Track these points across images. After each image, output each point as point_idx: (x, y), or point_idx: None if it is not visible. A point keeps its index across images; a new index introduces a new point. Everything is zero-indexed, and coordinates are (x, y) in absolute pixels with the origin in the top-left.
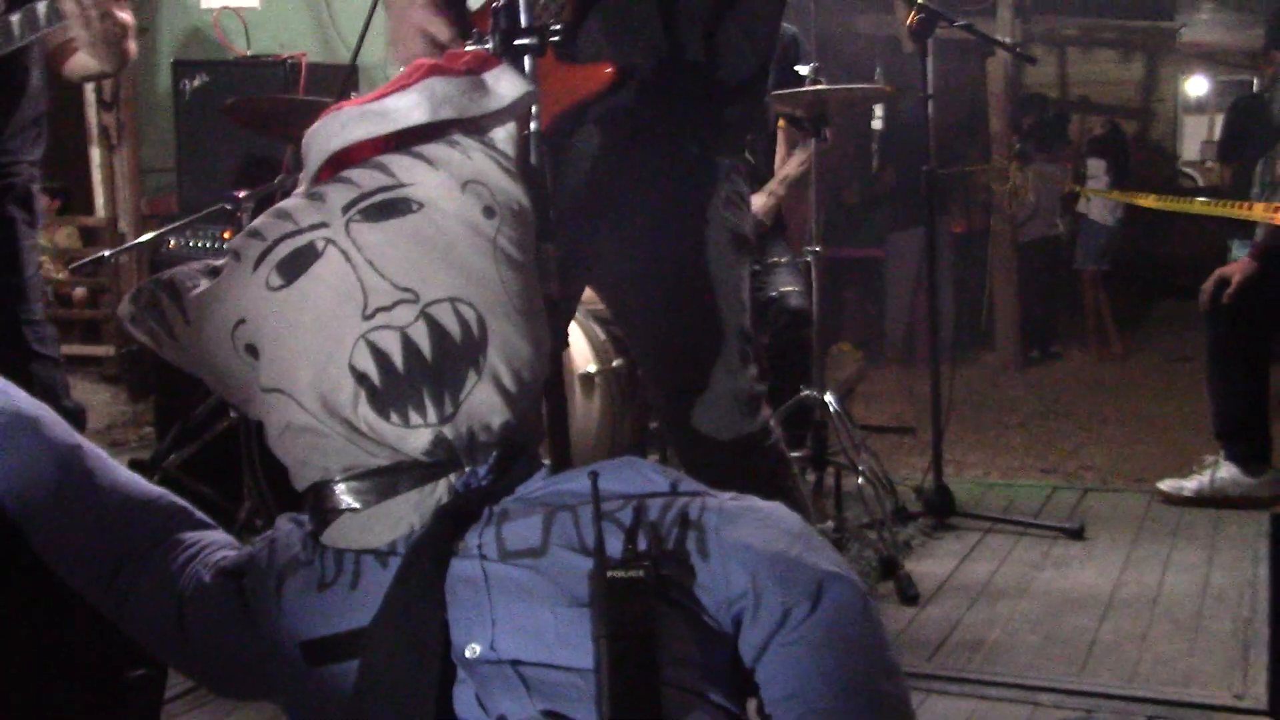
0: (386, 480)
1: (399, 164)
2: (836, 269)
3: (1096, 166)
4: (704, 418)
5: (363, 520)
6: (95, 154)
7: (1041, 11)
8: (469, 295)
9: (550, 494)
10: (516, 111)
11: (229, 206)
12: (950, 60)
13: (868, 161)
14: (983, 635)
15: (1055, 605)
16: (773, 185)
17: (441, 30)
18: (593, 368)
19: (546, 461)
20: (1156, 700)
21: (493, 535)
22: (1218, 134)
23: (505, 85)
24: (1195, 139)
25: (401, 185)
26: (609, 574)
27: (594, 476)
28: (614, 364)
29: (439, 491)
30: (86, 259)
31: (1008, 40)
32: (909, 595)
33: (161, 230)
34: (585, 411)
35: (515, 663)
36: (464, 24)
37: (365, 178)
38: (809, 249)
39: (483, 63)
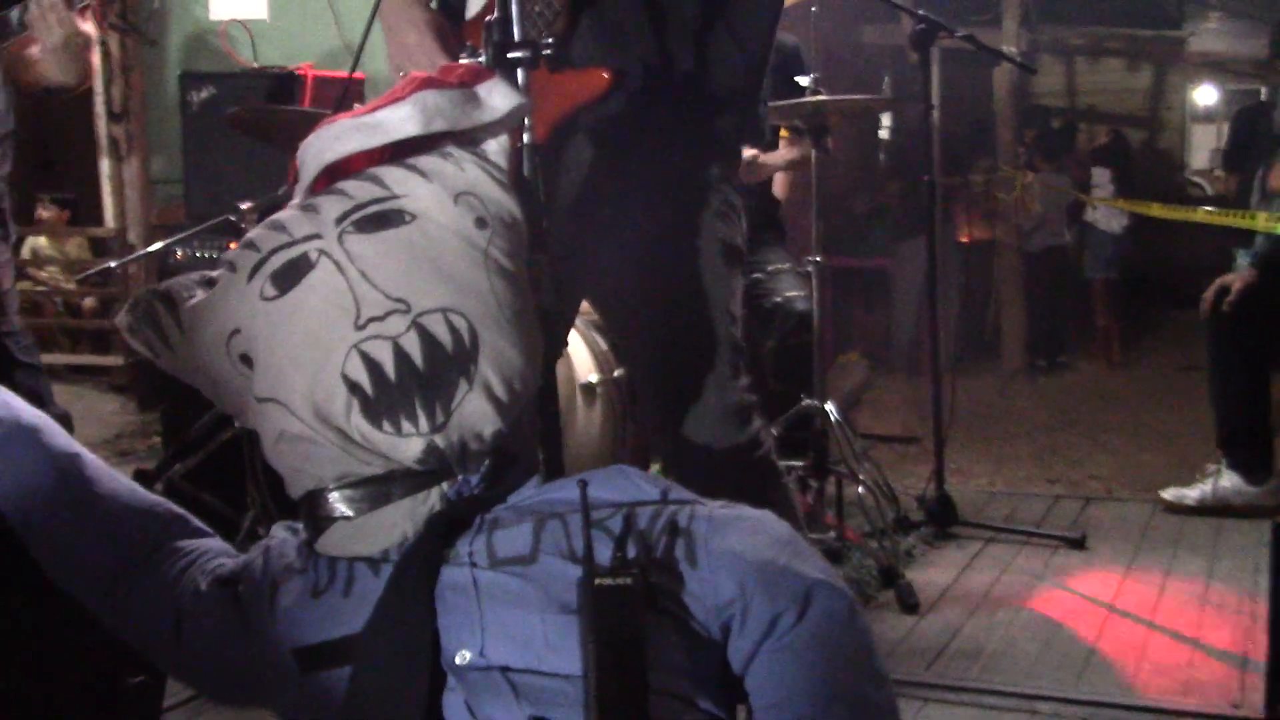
0: (379, 488)
1: (392, 176)
2: (844, 279)
3: (1101, 176)
4: (695, 428)
5: (356, 528)
6: (105, 165)
7: (1049, 21)
8: (461, 305)
9: (541, 502)
10: (509, 123)
11: (233, 218)
12: (957, 70)
13: (875, 172)
14: (982, 644)
15: (1055, 614)
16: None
17: (438, 53)
18: (594, 377)
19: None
20: (1154, 709)
21: (483, 543)
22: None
23: (498, 98)
24: (1204, 148)
25: (394, 197)
26: (597, 581)
27: (583, 485)
28: (615, 374)
29: (431, 500)
30: (93, 269)
31: (1011, 50)
32: (909, 604)
33: (166, 241)
34: (587, 421)
35: (504, 669)
36: (462, 37)
37: (358, 189)
38: (810, 259)
39: (475, 76)
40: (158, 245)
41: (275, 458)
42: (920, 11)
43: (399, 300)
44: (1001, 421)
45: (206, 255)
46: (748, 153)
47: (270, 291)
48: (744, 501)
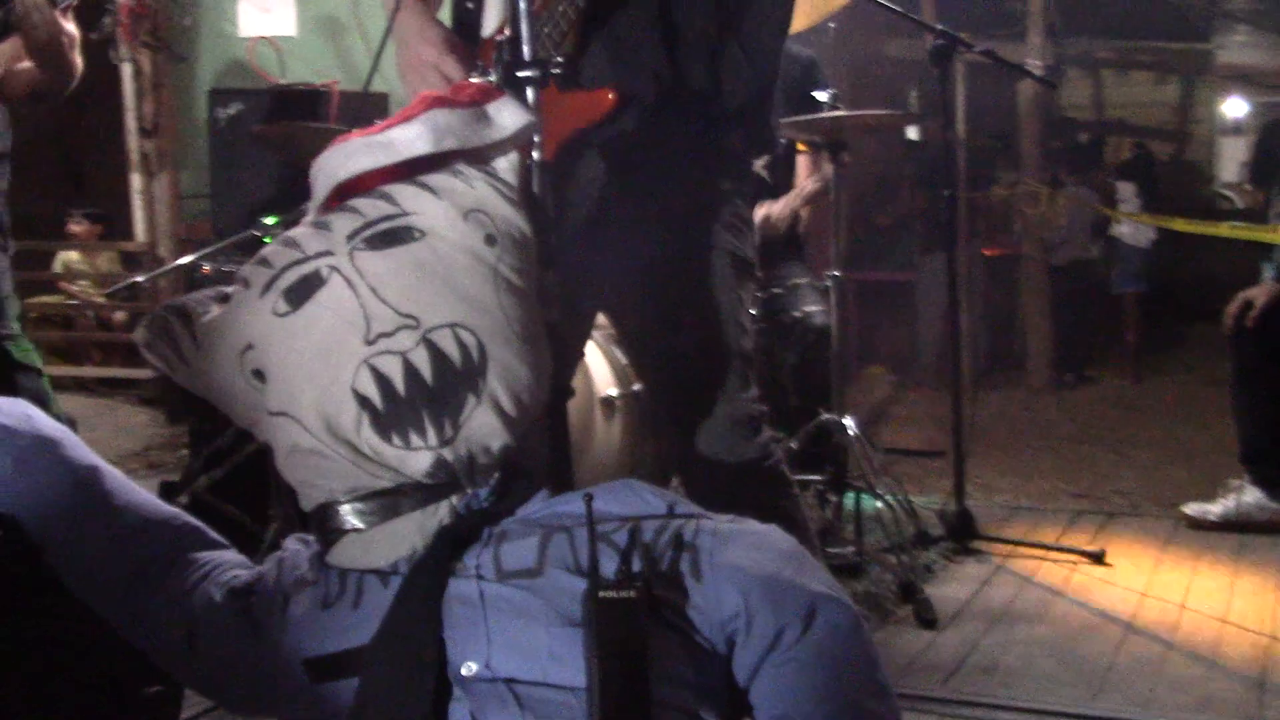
0: (389, 502)
1: (403, 193)
2: (869, 292)
3: (1126, 190)
4: (705, 440)
5: (366, 540)
6: (135, 180)
7: (1075, 34)
8: (469, 321)
9: (548, 515)
10: (519, 141)
11: (257, 233)
12: (984, 83)
13: (899, 185)
14: (999, 659)
15: (1074, 630)
16: (790, 197)
17: (454, 70)
18: (614, 391)
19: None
20: None
21: (490, 556)
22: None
23: (507, 116)
24: (1233, 161)
25: (405, 214)
26: (601, 594)
27: (589, 498)
28: (635, 387)
29: (440, 513)
30: (121, 284)
31: (1035, 64)
32: (927, 619)
33: (194, 256)
34: (606, 435)
35: (510, 681)
36: (475, 56)
37: (370, 207)
38: (829, 273)
39: (486, 94)
40: (183, 260)
41: (287, 471)
42: (939, 26)
43: (409, 316)
44: (1026, 435)
45: (234, 270)
46: (758, 213)
47: (283, 307)
48: (754, 511)
